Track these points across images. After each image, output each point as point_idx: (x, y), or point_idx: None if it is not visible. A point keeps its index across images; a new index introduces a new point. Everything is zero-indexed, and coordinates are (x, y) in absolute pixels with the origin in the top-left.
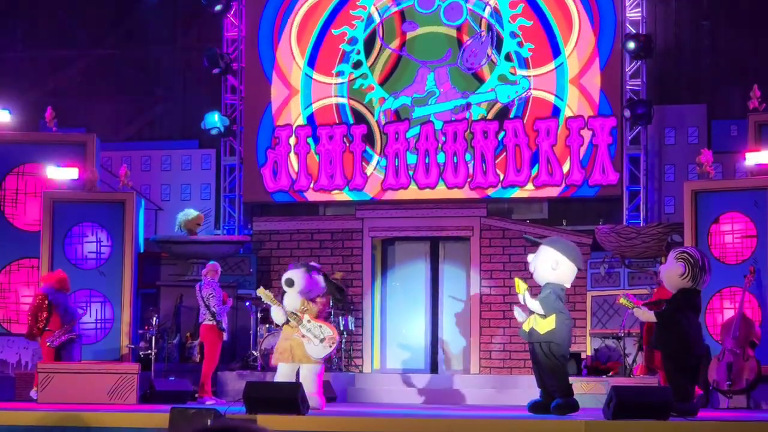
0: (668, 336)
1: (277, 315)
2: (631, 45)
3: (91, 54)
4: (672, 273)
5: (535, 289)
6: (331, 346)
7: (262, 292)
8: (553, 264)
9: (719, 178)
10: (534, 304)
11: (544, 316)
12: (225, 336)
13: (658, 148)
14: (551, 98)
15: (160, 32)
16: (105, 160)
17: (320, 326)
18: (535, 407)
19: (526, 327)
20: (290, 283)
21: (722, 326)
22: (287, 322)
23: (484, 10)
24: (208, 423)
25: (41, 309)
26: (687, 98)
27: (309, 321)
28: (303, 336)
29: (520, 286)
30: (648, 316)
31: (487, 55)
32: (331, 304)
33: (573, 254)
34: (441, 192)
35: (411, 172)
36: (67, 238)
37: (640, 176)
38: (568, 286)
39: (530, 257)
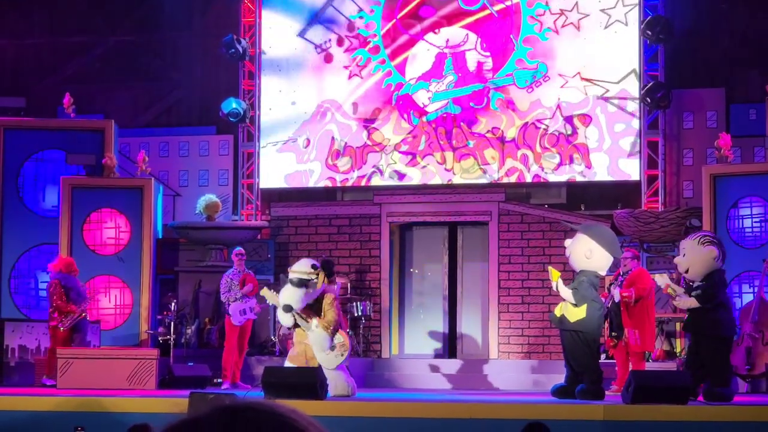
0: (708, 318)
1: (283, 317)
2: (649, 31)
3: (109, 40)
4: (706, 257)
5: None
6: (342, 354)
7: (266, 293)
8: (587, 253)
9: (738, 162)
10: (566, 293)
11: (575, 305)
12: (234, 321)
13: (676, 133)
14: (574, 82)
15: (178, 18)
16: (123, 146)
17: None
18: (558, 392)
19: (557, 313)
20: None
21: (741, 311)
22: (296, 325)
23: None
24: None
25: (59, 295)
26: (705, 82)
27: (317, 326)
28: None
29: (554, 274)
30: (690, 302)
31: (505, 39)
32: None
33: (608, 242)
34: (460, 176)
35: (429, 156)
36: (85, 224)
37: (658, 161)
38: (603, 274)
39: (567, 242)
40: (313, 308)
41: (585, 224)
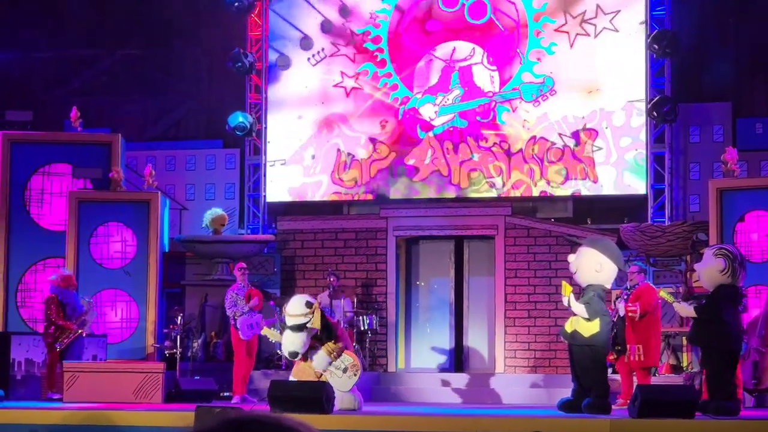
0: (709, 332)
1: (290, 357)
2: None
3: (116, 54)
4: (712, 269)
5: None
6: (356, 374)
7: (267, 332)
8: (597, 266)
9: (744, 176)
10: (579, 308)
11: (588, 319)
12: (243, 336)
13: (683, 147)
14: (580, 95)
15: (185, 32)
16: (130, 160)
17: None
18: (565, 406)
19: (568, 328)
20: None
21: (748, 325)
22: (305, 360)
23: (508, 7)
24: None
25: (56, 310)
26: (712, 96)
27: (323, 353)
28: (324, 371)
29: (566, 289)
30: (688, 311)
31: (512, 53)
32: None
33: (615, 255)
34: (466, 190)
35: (435, 170)
36: (92, 237)
37: (665, 174)
38: (609, 287)
39: (571, 257)
40: (315, 337)
41: (590, 238)
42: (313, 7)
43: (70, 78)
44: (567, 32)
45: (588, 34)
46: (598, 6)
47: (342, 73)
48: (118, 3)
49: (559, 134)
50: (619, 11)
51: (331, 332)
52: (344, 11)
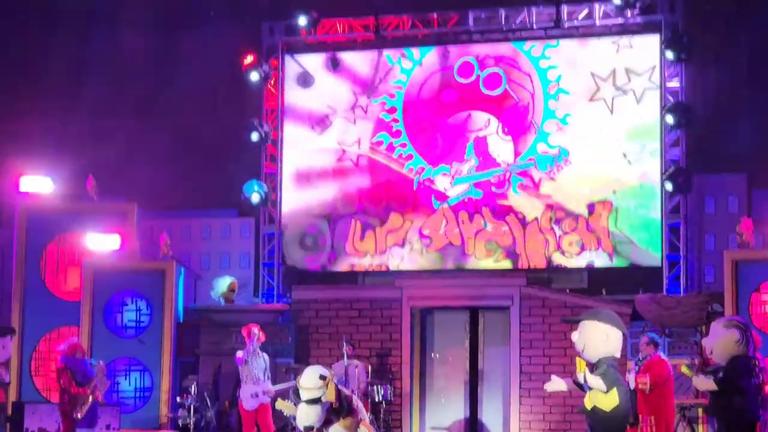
0: (728, 403)
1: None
2: (670, 118)
3: (132, 123)
4: (726, 341)
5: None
6: None
7: (281, 405)
8: (603, 337)
9: (760, 247)
10: (596, 381)
11: (606, 392)
12: (245, 406)
13: (698, 218)
14: (594, 165)
15: (201, 102)
16: (145, 229)
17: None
18: None
19: (587, 405)
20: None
21: (764, 396)
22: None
23: (523, 78)
24: None
25: (67, 379)
26: (727, 167)
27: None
28: None
29: (581, 365)
30: (708, 384)
31: (527, 124)
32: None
33: (617, 322)
34: (481, 261)
35: (450, 241)
36: (107, 306)
37: (680, 245)
38: (619, 354)
39: (574, 336)
40: (330, 409)
41: (589, 312)
42: (301, 66)
43: (86, 147)
44: (604, 98)
45: (624, 93)
46: (626, 69)
47: (353, 142)
48: (135, 73)
49: (586, 204)
50: (654, 66)
51: (347, 405)
52: (334, 63)
